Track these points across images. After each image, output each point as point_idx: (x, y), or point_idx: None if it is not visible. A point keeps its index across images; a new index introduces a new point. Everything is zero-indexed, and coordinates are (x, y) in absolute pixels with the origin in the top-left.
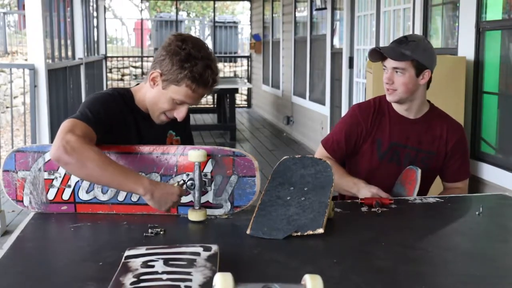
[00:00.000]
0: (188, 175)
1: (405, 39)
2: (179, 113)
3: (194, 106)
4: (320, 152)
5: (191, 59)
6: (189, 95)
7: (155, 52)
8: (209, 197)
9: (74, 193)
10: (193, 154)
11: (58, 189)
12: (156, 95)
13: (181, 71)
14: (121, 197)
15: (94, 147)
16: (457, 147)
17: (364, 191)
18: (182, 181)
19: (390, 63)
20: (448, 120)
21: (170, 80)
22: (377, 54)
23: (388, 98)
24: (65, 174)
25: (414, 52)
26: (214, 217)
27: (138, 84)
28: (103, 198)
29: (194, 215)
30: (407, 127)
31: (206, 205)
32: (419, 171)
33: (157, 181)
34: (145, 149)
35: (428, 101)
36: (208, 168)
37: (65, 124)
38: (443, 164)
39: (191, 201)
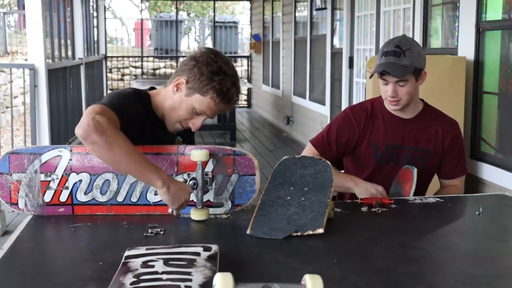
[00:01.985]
0: (189, 174)
1: (399, 49)
2: (195, 124)
3: None
4: (309, 151)
5: (221, 73)
6: (210, 107)
7: (184, 60)
8: (210, 196)
9: (71, 195)
10: (196, 153)
11: (55, 191)
12: (177, 101)
13: (210, 82)
14: (120, 197)
15: (122, 133)
16: (453, 144)
17: (363, 185)
18: (183, 179)
19: (392, 77)
20: (443, 118)
21: (196, 88)
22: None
23: (392, 108)
24: (62, 175)
25: (412, 61)
26: (214, 217)
27: (152, 87)
28: (102, 199)
29: (196, 214)
30: (402, 128)
31: (207, 204)
32: (415, 170)
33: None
34: (147, 149)
35: (422, 100)
36: (209, 167)
37: (94, 107)
38: (440, 161)
39: (192, 200)
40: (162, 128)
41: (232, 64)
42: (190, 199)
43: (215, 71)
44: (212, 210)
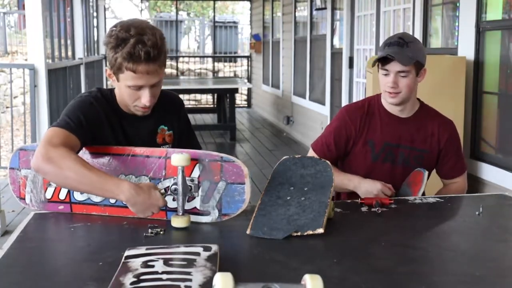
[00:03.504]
0: (175, 179)
1: (402, 40)
2: (143, 99)
3: (194, 106)
4: (310, 155)
5: (119, 42)
6: (135, 76)
7: None
8: (196, 203)
9: (70, 193)
10: (176, 158)
11: (56, 188)
12: (118, 90)
13: (116, 56)
14: (112, 199)
15: (72, 155)
16: (450, 144)
17: (365, 185)
18: (163, 190)
19: (394, 67)
20: (439, 118)
21: (115, 70)
22: (381, 59)
23: (391, 101)
24: None
25: (415, 54)
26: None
27: None
28: (96, 199)
29: (176, 221)
30: (399, 127)
31: (193, 212)
32: (426, 172)
33: (144, 183)
34: (136, 151)
35: (418, 99)
36: (196, 173)
37: (46, 134)
38: (437, 161)
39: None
40: (135, 122)
41: (134, 24)
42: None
43: (114, 45)
44: (198, 218)
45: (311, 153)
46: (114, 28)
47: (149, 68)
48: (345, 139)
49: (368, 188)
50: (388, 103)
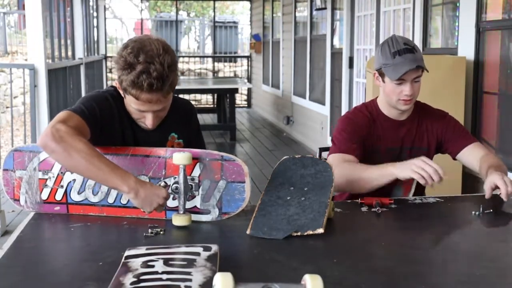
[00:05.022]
0: (175, 178)
1: (409, 46)
2: (146, 121)
3: (194, 106)
4: (339, 160)
5: (126, 66)
6: (137, 102)
7: None
8: (196, 202)
9: (66, 193)
10: (177, 156)
11: (52, 189)
12: (126, 104)
13: (122, 79)
14: (111, 199)
15: (83, 139)
16: (446, 130)
17: (403, 167)
18: (164, 183)
19: (411, 75)
20: (432, 112)
21: (122, 89)
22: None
23: (405, 108)
24: (58, 174)
25: (422, 56)
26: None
27: None
28: (94, 199)
29: (178, 220)
30: (399, 130)
31: (193, 211)
32: None
33: (146, 181)
34: (135, 150)
35: None
36: (196, 172)
37: (59, 115)
38: (441, 151)
39: (177, 206)
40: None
41: (145, 49)
42: (177, 205)
43: (121, 67)
44: (198, 217)
45: (338, 158)
46: (126, 47)
47: (151, 97)
48: (362, 136)
49: (410, 169)
50: (401, 110)
